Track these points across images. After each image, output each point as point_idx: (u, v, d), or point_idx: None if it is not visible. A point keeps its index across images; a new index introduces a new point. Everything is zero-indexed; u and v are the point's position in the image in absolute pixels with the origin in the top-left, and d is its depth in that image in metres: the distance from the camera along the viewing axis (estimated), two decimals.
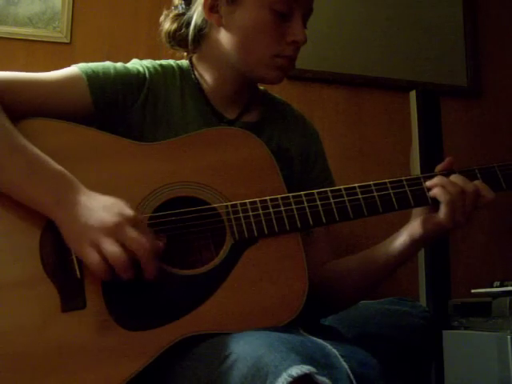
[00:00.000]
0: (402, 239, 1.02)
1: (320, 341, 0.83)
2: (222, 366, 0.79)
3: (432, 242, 1.03)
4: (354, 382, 0.76)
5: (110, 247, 0.87)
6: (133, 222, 0.89)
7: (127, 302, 0.90)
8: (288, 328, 0.88)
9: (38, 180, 0.92)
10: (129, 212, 0.90)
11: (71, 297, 0.89)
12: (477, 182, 0.98)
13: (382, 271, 1.05)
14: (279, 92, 1.25)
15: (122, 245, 0.87)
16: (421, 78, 2.36)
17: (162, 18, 1.17)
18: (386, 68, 2.35)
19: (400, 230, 1.04)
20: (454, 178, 0.98)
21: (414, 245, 1.01)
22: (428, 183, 0.99)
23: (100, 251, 0.87)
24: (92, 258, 0.87)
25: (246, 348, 0.78)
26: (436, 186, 0.98)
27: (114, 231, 0.88)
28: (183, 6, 1.14)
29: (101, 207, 0.90)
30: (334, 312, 1.15)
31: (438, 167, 1.03)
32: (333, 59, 2.30)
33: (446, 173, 1.01)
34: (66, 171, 0.93)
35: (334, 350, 0.80)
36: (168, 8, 1.17)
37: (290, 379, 0.70)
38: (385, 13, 2.38)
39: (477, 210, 0.98)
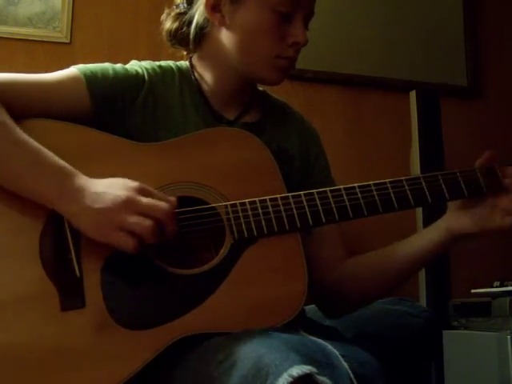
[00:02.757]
0: (436, 236, 1.03)
1: (320, 341, 0.83)
2: (223, 365, 0.79)
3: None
4: (355, 381, 0.76)
5: (133, 220, 0.88)
6: (141, 191, 0.91)
7: (127, 301, 0.90)
8: (288, 328, 0.88)
9: (41, 172, 0.92)
10: (133, 183, 0.92)
11: (70, 296, 0.89)
12: None
13: (417, 264, 1.08)
14: (279, 92, 1.25)
15: (141, 214, 0.89)
16: (421, 78, 2.36)
17: (163, 17, 1.17)
18: (385, 68, 2.35)
19: (428, 228, 1.05)
20: None
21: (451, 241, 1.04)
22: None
23: (126, 229, 0.88)
24: (124, 241, 0.88)
25: (246, 348, 0.78)
26: None
27: (128, 205, 0.89)
28: (185, 4, 1.14)
29: (106, 188, 0.91)
30: (350, 311, 1.15)
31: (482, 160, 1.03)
32: (333, 59, 2.30)
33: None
34: (67, 164, 0.93)
35: (335, 350, 0.80)
36: (169, 7, 1.17)
37: (290, 379, 0.70)
38: (385, 13, 2.38)
39: None
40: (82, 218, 0.90)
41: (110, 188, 0.91)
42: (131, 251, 0.89)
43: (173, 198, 0.94)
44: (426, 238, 1.05)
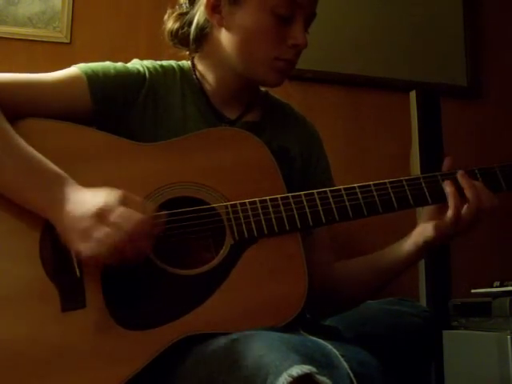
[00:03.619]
0: (408, 244, 1.04)
1: (320, 341, 0.83)
2: (223, 365, 0.79)
3: (436, 247, 1.05)
4: (355, 381, 0.76)
5: (99, 232, 0.85)
6: (122, 202, 0.87)
7: (127, 302, 0.90)
8: (288, 328, 0.88)
9: (33, 181, 0.92)
10: (115, 193, 0.88)
11: (71, 296, 0.89)
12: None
13: (390, 274, 1.09)
14: (279, 92, 1.25)
15: (113, 226, 0.85)
16: (421, 78, 2.36)
17: (166, 17, 1.17)
18: (385, 68, 2.35)
19: (409, 234, 1.06)
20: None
21: (419, 250, 1.04)
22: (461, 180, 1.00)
23: (89, 240, 0.86)
24: (82, 249, 0.86)
25: (246, 348, 0.78)
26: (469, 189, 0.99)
27: (100, 215, 0.86)
28: (187, 4, 1.14)
29: (88, 197, 0.89)
30: (338, 312, 1.16)
31: (445, 168, 1.04)
32: (333, 59, 2.30)
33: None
34: (62, 172, 0.93)
35: (335, 350, 0.80)
36: (172, 7, 1.17)
37: (290, 379, 0.70)
38: (384, 13, 2.38)
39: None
40: (60, 224, 0.90)
41: (92, 197, 0.89)
42: (85, 264, 0.87)
43: (152, 208, 0.91)
44: (402, 249, 1.06)
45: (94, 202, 0.88)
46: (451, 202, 0.99)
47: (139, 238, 0.87)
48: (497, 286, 1.73)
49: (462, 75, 2.43)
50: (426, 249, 1.04)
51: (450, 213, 0.99)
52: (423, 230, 1.03)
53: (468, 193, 0.99)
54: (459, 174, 1.01)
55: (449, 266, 1.93)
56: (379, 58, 2.35)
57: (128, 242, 0.86)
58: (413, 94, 2.00)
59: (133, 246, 0.87)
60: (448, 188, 1.00)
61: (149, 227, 0.88)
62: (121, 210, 0.87)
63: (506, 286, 1.70)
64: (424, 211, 1.06)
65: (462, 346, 1.70)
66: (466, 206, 0.99)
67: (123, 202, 0.88)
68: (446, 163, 1.04)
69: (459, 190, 1.00)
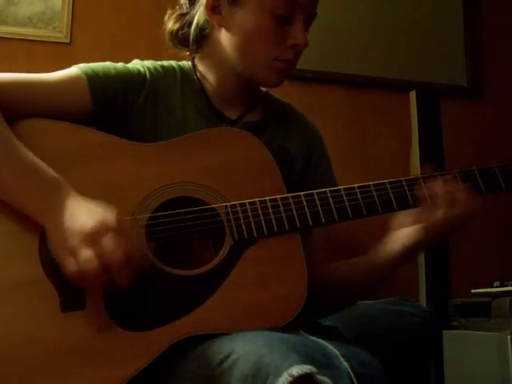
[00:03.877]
0: (397, 246, 1.03)
1: (320, 341, 0.83)
2: (223, 366, 0.79)
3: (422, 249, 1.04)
4: (355, 381, 0.76)
5: (84, 253, 0.84)
6: (113, 229, 0.86)
7: (127, 303, 0.90)
8: (288, 328, 0.88)
9: (29, 185, 0.91)
10: (111, 218, 0.87)
11: (71, 297, 0.89)
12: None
13: (382, 274, 1.07)
14: (279, 92, 1.25)
15: (96, 252, 0.85)
16: (421, 78, 2.36)
17: (166, 17, 1.17)
18: (386, 68, 2.35)
19: (394, 235, 1.05)
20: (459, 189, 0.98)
21: (409, 252, 1.03)
22: (429, 186, 0.99)
23: (76, 258, 0.85)
24: (67, 264, 0.85)
25: (246, 348, 0.78)
26: (434, 191, 0.98)
27: (91, 237, 0.85)
28: (187, 5, 1.14)
29: (85, 212, 0.88)
30: (331, 312, 1.16)
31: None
32: (333, 59, 2.30)
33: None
34: (59, 177, 0.92)
35: (335, 350, 0.80)
36: (173, 7, 1.17)
37: (290, 379, 0.71)
38: (385, 13, 2.38)
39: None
40: (51, 233, 0.89)
41: (86, 213, 0.88)
42: (70, 279, 0.86)
43: (145, 255, 0.90)
44: (393, 251, 1.05)
45: (88, 220, 0.86)
46: (435, 205, 0.98)
47: (127, 265, 0.86)
48: (497, 286, 1.74)
49: (462, 75, 2.43)
50: (417, 251, 1.04)
51: (439, 213, 0.98)
52: (411, 233, 1.02)
53: (452, 196, 0.98)
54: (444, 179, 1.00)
55: (449, 266, 1.94)
56: (379, 58, 2.35)
57: (115, 267, 0.85)
58: (413, 94, 2.00)
59: (117, 276, 0.86)
60: (433, 190, 0.99)
61: (136, 259, 0.88)
62: (113, 236, 0.86)
63: (506, 286, 1.70)
64: (404, 214, 1.04)
65: (462, 346, 1.70)
66: (446, 209, 0.98)
67: (116, 230, 0.86)
68: (424, 171, 1.03)
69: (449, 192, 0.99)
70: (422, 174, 1.02)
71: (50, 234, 0.89)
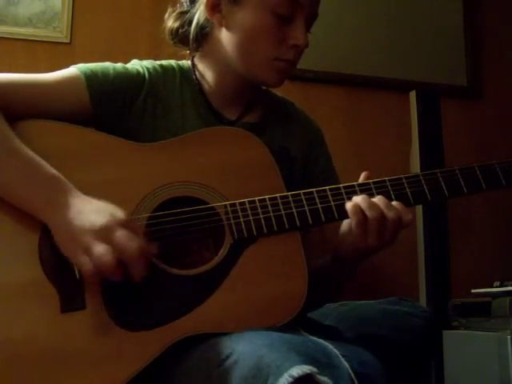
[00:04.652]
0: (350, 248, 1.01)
1: (321, 341, 0.83)
2: (223, 366, 0.79)
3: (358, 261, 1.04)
4: (355, 381, 0.76)
5: (97, 249, 0.85)
6: (123, 225, 0.88)
7: (127, 303, 0.90)
8: (288, 328, 0.88)
9: (31, 182, 0.91)
10: (120, 214, 0.89)
11: (71, 298, 0.89)
12: (398, 206, 0.96)
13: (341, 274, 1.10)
14: (279, 92, 1.25)
15: (110, 247, 0.85)
16: (421, 78, 2.36)
17: (166, 15, 1.17)
18: (386, 68, 2.35)
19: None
20: (378, 200, 0.96)
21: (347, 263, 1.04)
22: (353, 200, 0.97)
23: (90, 255, 0.85)
24: (84, 263, 0.86)
25: (246, 348, 0.78)
26: (355, 206, 0.95)
27: (103, 233, 0.86)
28: (188, 3, 1.14)
29: (93, 210, 0.89)
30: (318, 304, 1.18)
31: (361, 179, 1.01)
32: (333, 59, 2.30)
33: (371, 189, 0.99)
34: (59, 175, 0.92)
35: (335, 350, 0.80)
36: (173, 5, 1.17)
37: (291, 379, 0.70)
38: (385, 13, 2.38)
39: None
40: (59, 231, 0.89)
41: (95, 211, 0.89)
42: (86, 276, 0.87)
43: (153, 247, 0.90)
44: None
45: (98, 217, 0.88)
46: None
47: (132, 267, 0.87)
48: (497, 286, 1.73)
49: (462, 75, 2.43)
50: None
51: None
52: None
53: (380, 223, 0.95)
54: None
55: (449, 266, 1.94)
56: (379, 58, 2.35)
57: (131, 258, 0.86)
58: (413, 94, 2.00)
59: (134, 267, 0.87)
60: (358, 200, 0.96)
61: (149, 251, 0.89)
62: (125, 231, 0.87)
63: (506, 286, 1.70)
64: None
65: (462, 346, 1.70)
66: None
67: (125, 226, 0.88)
68: (363, 178, 1.01)
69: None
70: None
71: (58, 234, 0.89)
